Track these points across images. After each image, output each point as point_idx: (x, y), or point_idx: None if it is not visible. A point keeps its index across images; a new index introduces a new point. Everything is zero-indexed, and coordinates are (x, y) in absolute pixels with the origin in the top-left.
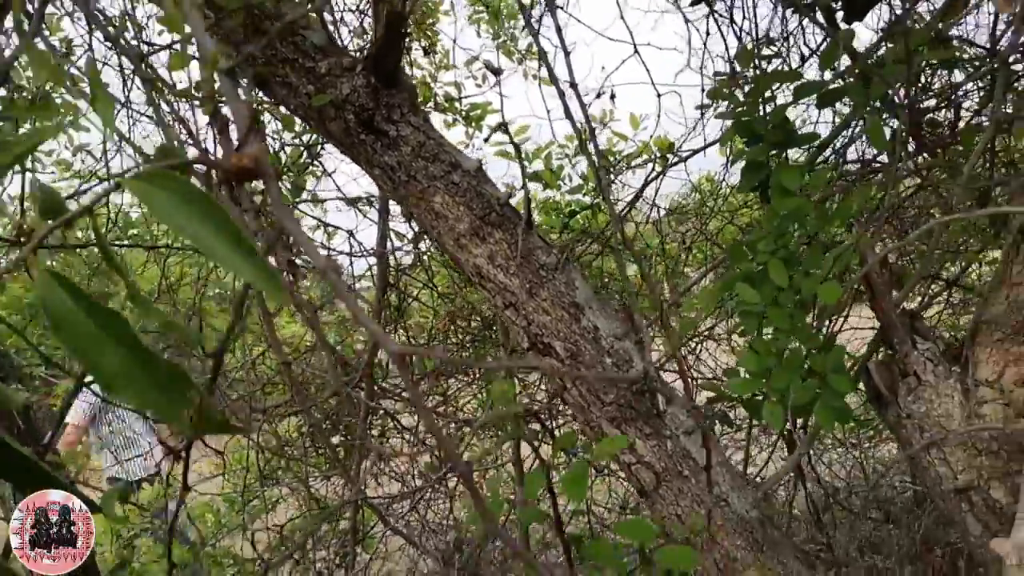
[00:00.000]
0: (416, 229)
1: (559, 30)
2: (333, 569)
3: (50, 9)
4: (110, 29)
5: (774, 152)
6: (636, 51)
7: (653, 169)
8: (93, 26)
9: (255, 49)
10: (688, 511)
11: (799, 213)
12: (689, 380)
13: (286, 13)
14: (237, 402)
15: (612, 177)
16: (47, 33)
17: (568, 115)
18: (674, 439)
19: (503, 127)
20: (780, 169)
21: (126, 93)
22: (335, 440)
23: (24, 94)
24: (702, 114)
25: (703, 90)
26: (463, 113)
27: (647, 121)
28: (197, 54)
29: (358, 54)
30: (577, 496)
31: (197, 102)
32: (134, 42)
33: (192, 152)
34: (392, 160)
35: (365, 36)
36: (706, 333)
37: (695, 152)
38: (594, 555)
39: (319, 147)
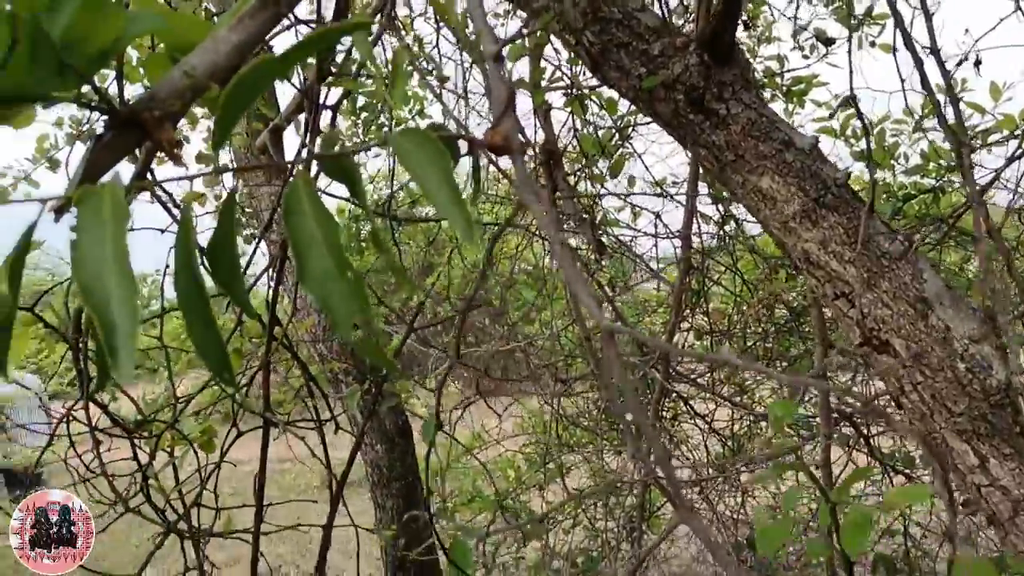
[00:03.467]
0: (723, 211)
1: None
2: (621, 540)
3: (405, 11)
4: (454, 27)
5: None
6: (1019, 7)
7: (1020, 146)
8: (440, 24)
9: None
10: None
11: None
12: None
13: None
14: (540, 368)
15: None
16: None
17: (925, 85)
18: None
19: (852, 100)
20: None
21: (464, 83)
22: (628, 417)
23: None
24: None
25: None
26: (784, 88)
27: (1011, 91)
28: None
29: (691, 31)
30: (854, 550)
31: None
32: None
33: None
34: (720, 139)
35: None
36: None
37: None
38: None
39: (631, 128)
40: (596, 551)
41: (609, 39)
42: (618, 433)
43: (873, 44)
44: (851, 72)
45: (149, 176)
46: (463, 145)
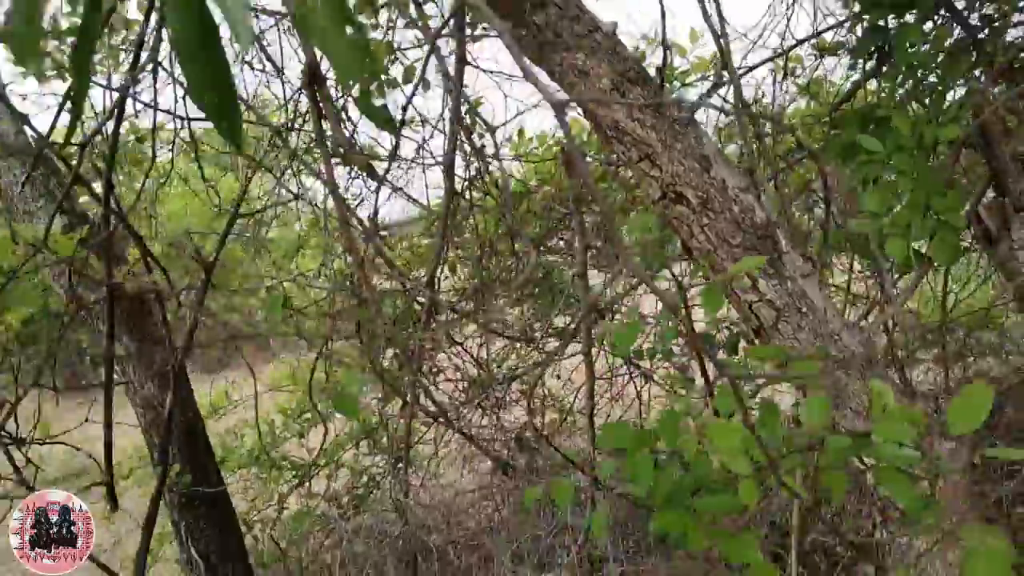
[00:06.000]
0: (479, 145)
1: None
2: (384, 476)
3: None
4: None
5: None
6: None
7: (713, 84)
8: None
9: None
10: (806, 344)
11: (922, 66)
12: (797, 229)
13: None
14: (308, 307)
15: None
16: None
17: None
18: (793, 280)
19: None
20: (904, 28)
21: None
22: (390, 353)
23: None
24: (840, 23)
25: None
26: None
27: (707, 38)
28: None
29: None
30: (714, 309)
31: None
32: None
33: None
34: (539, 20)
35: None
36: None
37: (749, 70)
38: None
39: (393, 56)
40: (361, 488)
41: None
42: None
43: None
44: None
45: None
46: None
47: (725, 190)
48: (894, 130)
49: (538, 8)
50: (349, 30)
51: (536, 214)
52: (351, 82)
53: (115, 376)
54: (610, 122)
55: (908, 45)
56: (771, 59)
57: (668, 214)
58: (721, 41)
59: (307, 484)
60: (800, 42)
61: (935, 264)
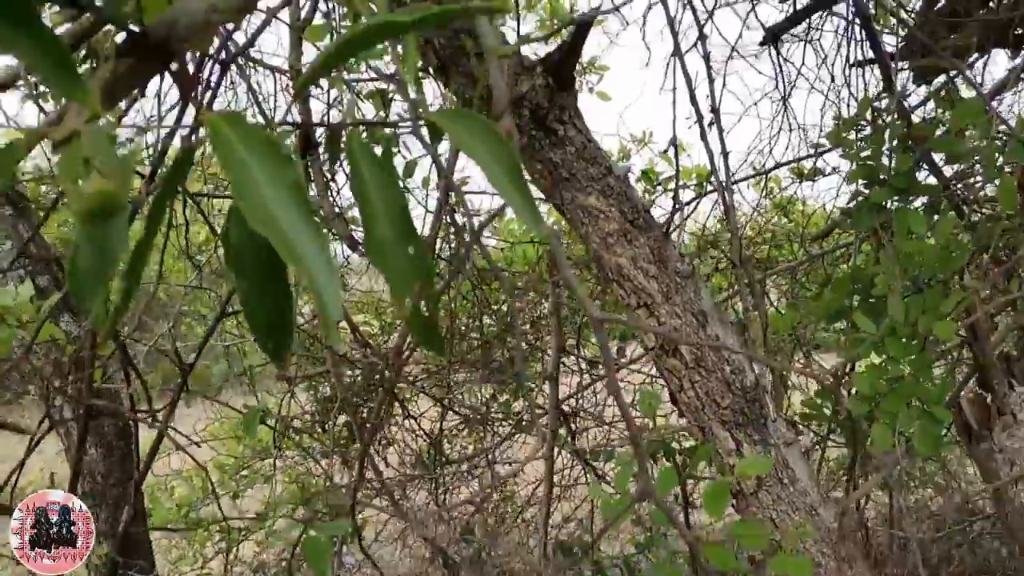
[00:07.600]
0: (462, 224)
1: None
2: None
3: None
4: None
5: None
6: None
7: (697, 197)
8: None
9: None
10: (783, 516)
11: (922, 255)
12: (783, 396)
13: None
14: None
15: (652, 199)
16: None
17: (703, 136)
18: (777, 448)
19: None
20: (904, 213)
21: None
22: (341, 419)
23: None
24: (817, 154)
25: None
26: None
27: (693, 150)
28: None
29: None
30: (716, 513)
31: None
32: None
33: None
34: (556, 157)
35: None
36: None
37: (736, 183)
38: (716, 559)
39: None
40: (292, 559)
41: (460, 45)
42: (330, 436)
43: (591, 90)
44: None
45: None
46: None
47: (719, 349)
48: (888, 315)
49: (557, 146)
50: (411, 249)
51: (509, 295)
52: (402, 299)
53: (56, 428)
54: (614, 265)
55: (908, 232)
56: (751, 177)
57: (661, 364)
58: (724, 193)
59: (235, 549)
60: (780, 165)
61: (916, 454)
